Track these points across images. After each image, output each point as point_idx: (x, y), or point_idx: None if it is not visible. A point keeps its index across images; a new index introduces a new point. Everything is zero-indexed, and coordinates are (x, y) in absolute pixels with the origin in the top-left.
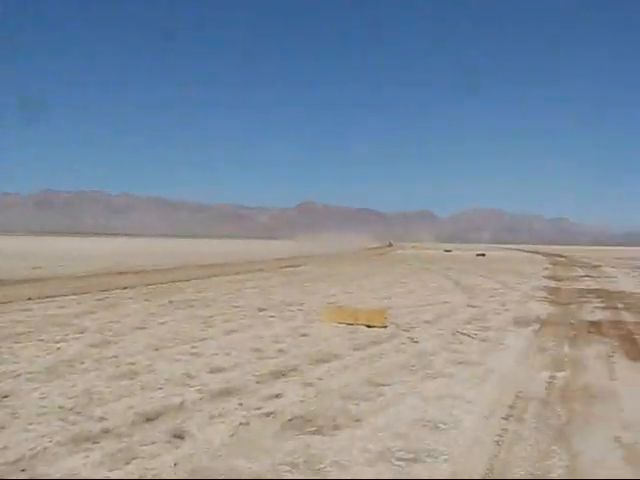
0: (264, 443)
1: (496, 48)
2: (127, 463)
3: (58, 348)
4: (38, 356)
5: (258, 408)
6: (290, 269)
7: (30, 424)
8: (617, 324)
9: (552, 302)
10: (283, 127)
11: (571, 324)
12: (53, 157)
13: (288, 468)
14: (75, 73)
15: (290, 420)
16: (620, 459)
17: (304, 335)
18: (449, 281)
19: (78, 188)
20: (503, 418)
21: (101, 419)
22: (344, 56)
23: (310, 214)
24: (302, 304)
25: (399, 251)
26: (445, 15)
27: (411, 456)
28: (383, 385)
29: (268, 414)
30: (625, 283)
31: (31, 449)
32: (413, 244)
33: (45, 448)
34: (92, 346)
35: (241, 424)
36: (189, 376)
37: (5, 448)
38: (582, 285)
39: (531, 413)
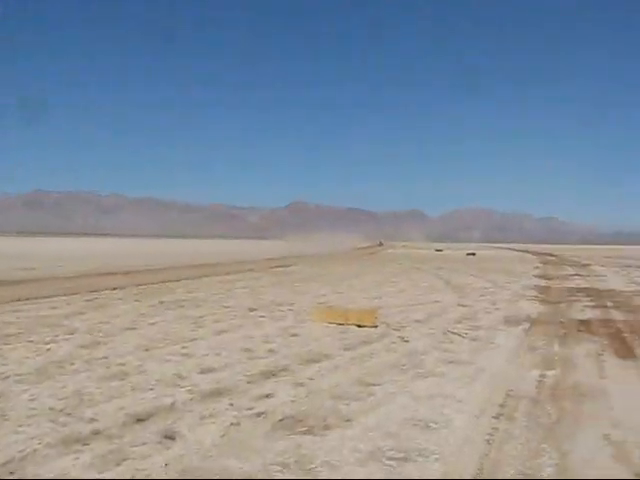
0: (255, 443)
1: (496, 48)
2: (117, 464)
3: (48, 349)
4: (28, 357)
5: (249, 408)
6: (280, 269)
7: (20, 426)
8: (606, 322)
9: (542, 301)
10: (273, 128)
11: (561, 323)
12: (43, 157)
13: (279, 468)
14: (71, 73)
15: (281, 420)
16: (610, 457)
17: (294, 335)
18: (440, 280)
19: (68, 188)
20: (494, 417)
21: (91, 420)
22: (343, 56)
23: (301, 214)
24: (292, 304)
25: (390, 250)
26: (445, 15)
27: (402, 455)
28: (374, 385)
29: (259, 414)
30: (614, 281)
31: (20, 451)
32: (404, 243)
33: (35, 450)
34: (82, 347)
35: (232, 424)
36: (180, 377)
37: None
38: (572, 284)
39: (521, 412)
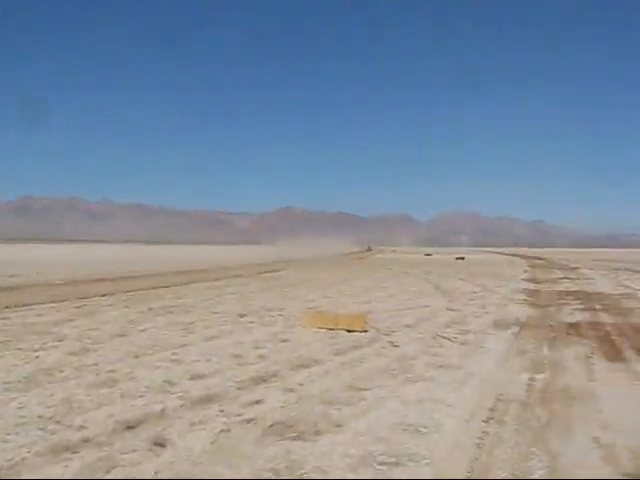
0: (245, 449)
1: (496, 48)
2: (107, 472)
3: (37, 357)
4: (16, 365)
5: (239, 414)
6: (270, 274)
7: (8, 434)
8: (595, 325)
9: (531, 304)
10: (262, 134)
11: (550, 326)
12: (31, 164)
13: (269, 474)
14: (65, 76)
15: (271, 426)
16: (599, 459)
17: (284, 340)
18: (429, 285)
19: (56, 195)
20: (483, 421)
21: (81, 428)
22: (343, 57)
23: (290, 219)
24: (282, 309)
25: (379, 255)
26: (445, 15)
27: (393, 460)
28: (364, 390)
29: (249, 420)
30: (603, 284)
31: (9, 460)
32: (393, 248)
33: (23, 459)
34: (71, 354)
35: (222, 431)
36: (170, 383)
37: None
38: (561, 287)
39: (511, 415)
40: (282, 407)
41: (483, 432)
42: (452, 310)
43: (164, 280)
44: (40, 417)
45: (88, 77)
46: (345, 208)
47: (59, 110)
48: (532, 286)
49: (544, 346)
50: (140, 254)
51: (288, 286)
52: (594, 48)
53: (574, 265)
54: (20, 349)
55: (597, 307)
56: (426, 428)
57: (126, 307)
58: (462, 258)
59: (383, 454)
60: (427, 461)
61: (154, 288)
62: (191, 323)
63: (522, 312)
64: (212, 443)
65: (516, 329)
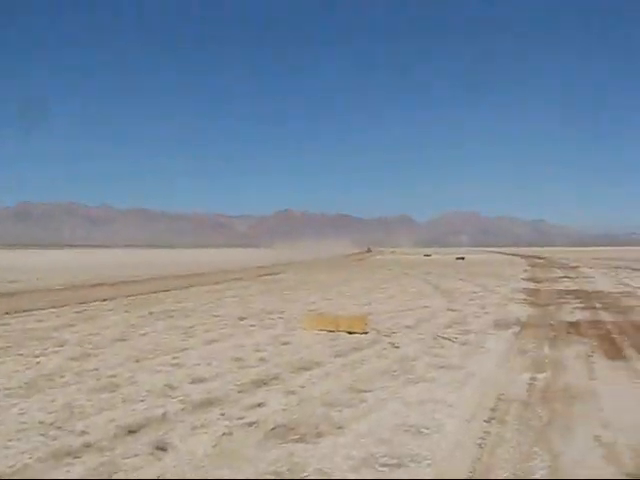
0: (247, 453)
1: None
2: (109, 477)
3: (37, 362)
4: (17, 371)
5: (240, 418)
6: (269, 277)
7: (9, 440)
8: (596, 324)
9: (532, 304)
10: (261, 136)
11: (551, 325)
12: (30, 169)
13: (272, 477)
14: (67, 84)
15: (273, 429)
16: (600, 458)
17: (285, 343)
18: (429, 285)
19: (56, 200)
20: (485, 421)
21: (82, 433)
22: (340, 59)
23: (289, 221)
24: (282, 312)
25: (378, 257)
26: (445, 15)
27: (394, 461)
28: (365, 391)
29: (251, 423)
30: (602, 283)
31: (11, 466)
32: (392, 249)
33: (25, 465)
34: (72, 359)
35: (224, 434)
36: (171, 387)
37: None
38: (561, 286)
39: (512, 415)
40: (283, 410)
41: (485, 432)
42: (452, 310)
43: (164, 284)
44: (41, 423)
45: (87, 82)
46: (344, 210)
47: (58, 116)
48: (532, 285)
49: (545, 345)
50: (140, 258)
51: (288, 289)
52: (594, 48)
53: (574, 264)
54: (21, 355)
55: (597, 305)
56: (427, 429)
57: (126, 311)
58: (462, 258)
59: (385, 455)
60: (429, 462)
61: (154, 292)
62: (191, 327)
63: (522, 311)
64: (214, 447)
65: (517, 329)
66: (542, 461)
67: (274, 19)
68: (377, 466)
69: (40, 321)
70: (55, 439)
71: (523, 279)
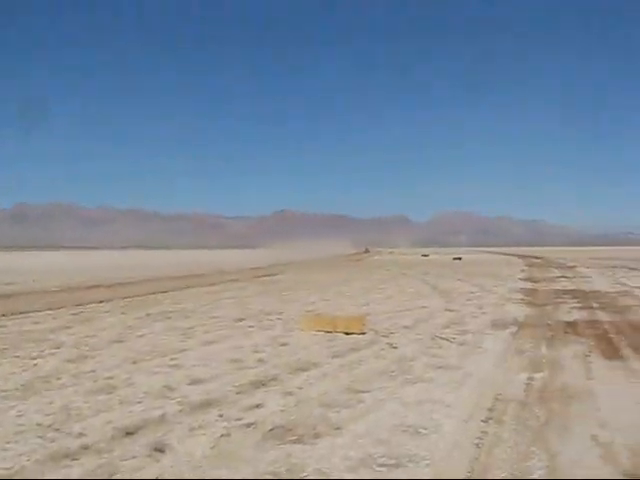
0: (245, 454)
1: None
2: (108, 479)
3: (34, 364)
4: (14, 373)
5: (239, 419)
6: (267, 278)
7: (7, 443)
8: (593, 324)
9: (529, 304)
10: (256, 136)
11: (548, 325)
12: (26, 170)
13: (270, 477)
14: (58, 86)
15: (271, 430)
16: (598, 458)
17: (283, 344)
18: (426, 286)
19: (52, 201)
20: (482, 421)
21: (80, 435)
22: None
23: (287, 222)
24: (280, 313)
25: (376, 257)
26: (445, 15)
27: (393, 462)
28: (363, 392)
29: (249, 424)
30: (599, 283)
31: (8, 468)
32: (390, 249)
33: (23, 467)
34: (69, 361)
35: (222, 435)
36: (169, 388)
37: None
38: (558, 286)
39: (510, 415)
40: (282, 411)
41: (482, 432)
42: (450, 311)
43: (161, 285)
44: (39, 425)
45: (87, 82)
46: (342, 210)
47: (58, 116)
48: (529, 285)
49: (542, 345)
50: (137, 259)
51: (286, 289)
52: (594, 48)
53: (571, 264)
54: (17, 357)
55: (594, 305)
56: (425, 429)
57: (123, 313)
58: (459, 258)
59: (383, 456)
60: (427, 462)
61: (152, 294)
62: (189, 328)
63: (520, 311)
64: (212, 448)
65: (514, 329)
66: (540, 461)
67: (274, 19)
68: (375, 466)
69: (37, 323)
70: (53, 441)
71: (520, 279)
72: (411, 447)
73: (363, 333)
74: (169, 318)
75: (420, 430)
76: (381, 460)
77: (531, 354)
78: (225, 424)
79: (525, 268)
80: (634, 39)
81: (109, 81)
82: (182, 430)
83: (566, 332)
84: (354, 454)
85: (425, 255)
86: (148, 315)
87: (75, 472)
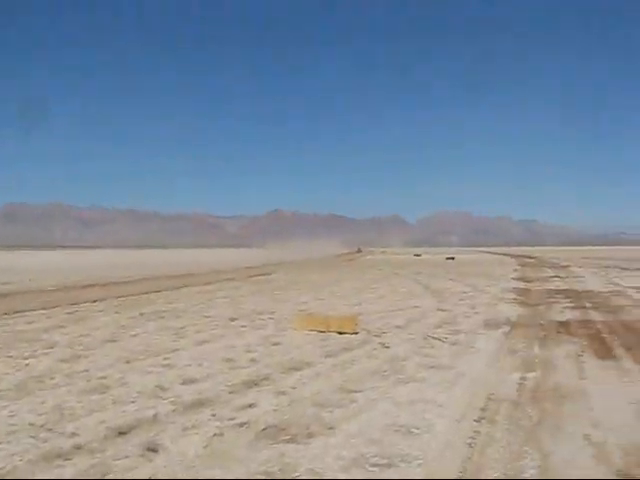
0: (238, 453)
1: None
2: (100, 479)
3: (27, 364)
4: (7, 373)
5: (231, 418)
6: (260, 277)
7: None
8: (586, 324)
9: (522, 303)
10: (251, 137)
11: (541, 325)
12: (20, 170)
13: (263, 477)
14: (55, 87)
15: (264, 429)
16: (590, 457)
17: (276, 344)
18: (419, 285)
19: (46, 201)
20: (475, 421)
21: (73, 435)
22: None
23: (280, 222)
24: (273, 312)
25: (369, 257)
26: (444, 15)
27: (385, 461)
28: (355, 391)
29: (242, 424)
30: (592, 282)
31: (0, 468)
32: (383, 249)
33: (15, 467)
34: (62, 361)
35: (215, 435)
36: (161, 388)
37: None
38: (551, 286)
39: (502, 415)
40: (274, 410)
41: (475, 432)
42: (442, 310)
43: (155, 285)
44: (31, 425)
45: (87, 82)
46: (335, 210)
47: (58, 116)
48: (522, 285)
49: (535, 345)
50: (131, 259)
51: (279, 289)
52: (594, 48)
53: (564, 263)
54: (10, 357)
55: (587, 305)
56: (418, 429)
57: (117, 312)
58: (452, 258)
59: (375, 455)
60: (419, 462)
61: (145, 293)
62: (182, 328)
63: (512, 311)
64: (205, 447)
65: (506, 328)
66: (532, 460)
67: (274, 19)
68: (368, 466)
69: (30, 322)
70: (45, 441)
71: (513, 279)
72: (403, 447)
73: (356, 333)
74: (162, 317)
75: (412, 430)
76: (374, 460)
77: (524, 354)
78: (218, 424)
79: (518, 268)
80: (634, 39)
81: (109, 81)
82: (175, 430)
83: (559, 332)
84: (347, 454)
85: (417, 255)
86: (142, 314)
87: (68, 472)
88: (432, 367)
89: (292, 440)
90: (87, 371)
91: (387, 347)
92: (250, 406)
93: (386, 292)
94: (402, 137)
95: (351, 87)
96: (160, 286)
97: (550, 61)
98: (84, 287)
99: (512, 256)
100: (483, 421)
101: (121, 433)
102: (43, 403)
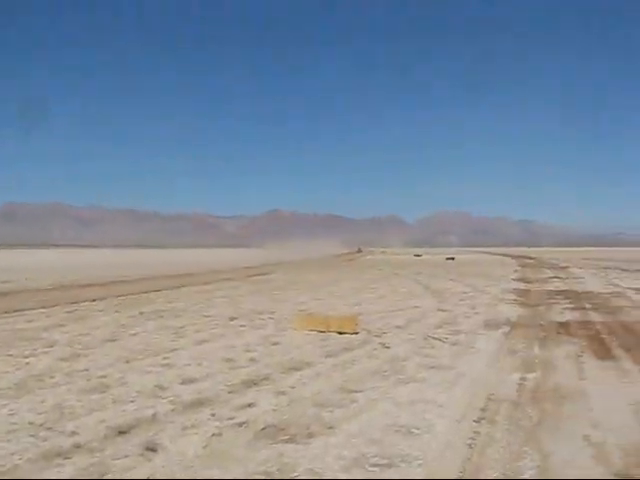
0: (237, 453)
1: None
2: (100, 478)
3: (27, 363)
4: (7, 372)
5: (231, 418)
6: (260, 277)
7: None
8: (585, 324)
9: (522, 304)
10: (249, 137)
11: (541, 325)
12: (17, 169)
13: (262, 477)
14: (53, 87)
15: (263, 429)
16: (590, 458)
17: (275, 343)
18: (419, 285)
19: (44, 200)
20: (475, 421)
21: (72, 434)
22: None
23: (279, 222)
24: (273, 312)
25: (368, 257)
26: (444, 15)
27: (385, 462)
28: (356, 391)
29: (241, 424)
30: (592, 283)
31: (0, 466)
32: (383, 249)
33: (15, 465)
34: (62, 360)
35: (214, 435)
36: (161, 388)
37: None
38: (551, 286)
39: (502, 415)
40: (274, 410)
41: (475, 432)
42: (442, 311)
43: (154, 284)
44: (31, 424)
45: (87, 82)
46: (334, 210)
47: (58, 116)
48: (522, 286)
49: (535, 345)
50: (130, 258)
51: (278, 289)
52: (594, 48)
53: (564, 264)
54: (10, 355)
55: (587, 306)
56: (418, 429)
57: (117, 312)
58: (452, 258)
59: (376, 455)
60: (419, 462)
61: (145, 292)
62: (182, 327)
63: (512, 312)
64: (204, 447)
65: (506, 329)
66: (532, 461)
67: (274, 19)
68: (368, 466)
69: (30, 321)
70: (45, 440)
71: (513, 279)
72: (404, 447)
73: (356, 333)
74: (162, 317)
75: (413, 430)
76: (374, 460)
77: (524, 354)
78: (217, 423)
79: (518, 268)
80: (634, 39)
81: (109, 81)
82: (174, 429)
83: (559, 332)
84: (347, 454)
85: (418, 255)
86: (141, 314)
87: (67, 471)
88: (432, 367)
89: (291, 440)
90: (87, 370)
91: (387, 347)
92: (249, 406)
93: (386, 292)
94: (402, 137)
95: (351, 87)
96: (159, 286)
97: (550, 61)
98: (83, 286)
99: (511, 257)
100: (483, 421)
101: (121, 432)
102: (43, 402)
